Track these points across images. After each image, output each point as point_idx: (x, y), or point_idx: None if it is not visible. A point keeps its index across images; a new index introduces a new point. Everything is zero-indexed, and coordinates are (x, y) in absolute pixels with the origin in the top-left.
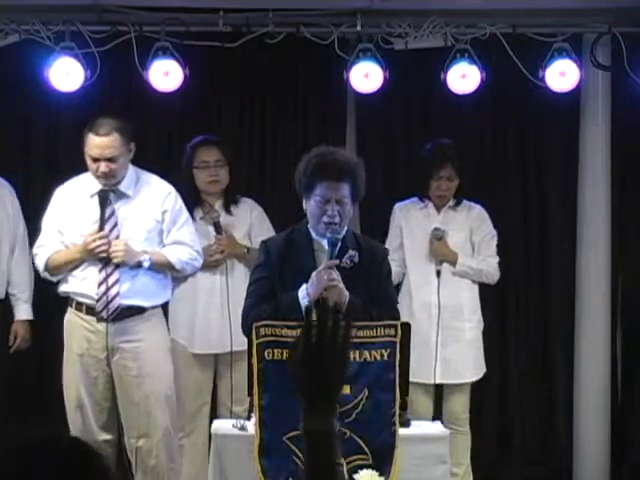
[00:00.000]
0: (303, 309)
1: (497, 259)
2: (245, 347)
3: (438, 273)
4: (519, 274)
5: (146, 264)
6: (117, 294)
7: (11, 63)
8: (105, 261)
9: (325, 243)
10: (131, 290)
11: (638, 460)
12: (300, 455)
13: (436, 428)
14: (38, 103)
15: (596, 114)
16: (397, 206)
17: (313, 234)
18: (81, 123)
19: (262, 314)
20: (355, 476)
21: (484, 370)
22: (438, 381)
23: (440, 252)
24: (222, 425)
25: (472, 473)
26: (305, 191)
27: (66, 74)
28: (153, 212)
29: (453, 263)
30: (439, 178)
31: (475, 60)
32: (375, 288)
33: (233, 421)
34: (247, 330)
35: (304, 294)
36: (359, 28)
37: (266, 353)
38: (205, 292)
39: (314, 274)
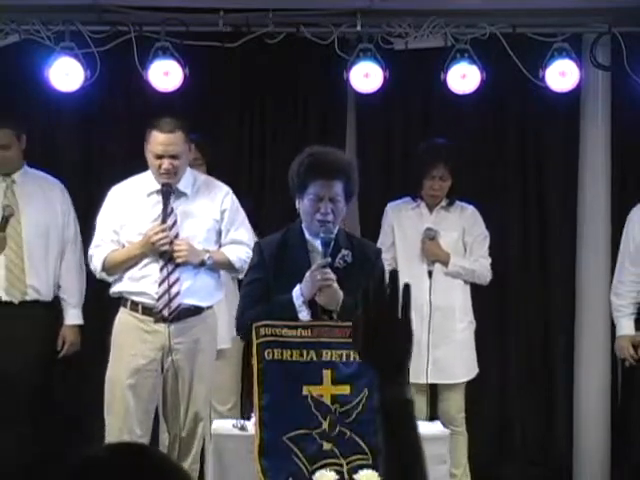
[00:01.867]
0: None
1: (489, 260)
2: (224, 346)
3: (430, 273)
4: (519, 274)
5: (209, 262)
6: (178, 293)
7: (11, 63)
8: (166, 259)
9: (319, 243)
10: (191, 289)
11: (638, 460)
12: (300, 455)
13: (436, 428)
14: (38, 103)
15: (596, 114)
16: (389, 206)
17: (307, 234)
18: (81, 123)
19: (256, 316)
20: (355, 476)
21: (476, 370)
22: (430, 381)
23: (432, 252)
24: (222, 425)
25: (470, 473)
26: (298, 191)
27: (66, 74)
28: (212, 211)
29: (445, 263)
30: (432, 177)
31: (475, 60)
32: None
33: (233, 421)
34: (242, 331)
35: (298, 294)
36: (359, 28)
37: (266, 353)
38: None
39: (308, 274)
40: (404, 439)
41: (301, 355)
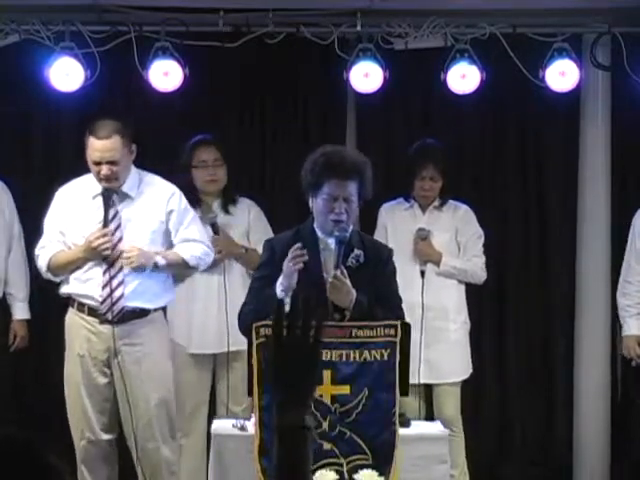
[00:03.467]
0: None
1: (483, 259)
2: (243, 347)
3: (422, 273)
4: (519, 274)
5: (161, 263)
6: (122, 296)
7: (11, 63)
8: (109, 262)
9: (331, 242)
10: (135, 292)
11: (638, 460)
12: None
13: (436, 428)
14: (38, 103)
15: (596, 114)
16: (383, 207)
17: (319, 233)
18: (81, 123)
19: (248, 312)
20: (355, 476)
21: (470, 371)
22: (423, 381)
23: (424, 252)
24: (222, 425)
25: (470, 473)
26: (312, 189)
27: (66, 74)
28: (157, 213)
29: (437, 263)
30: (422, 178)
31: (475, 60)
32: (380, 288)
33: (233, 421)
34: (241, 328)
35: (280, 288)
36: (359, 28)
37: (266, 353)
38: (203, 292)
39: (284, 264)
40: (295, 465)
41: None
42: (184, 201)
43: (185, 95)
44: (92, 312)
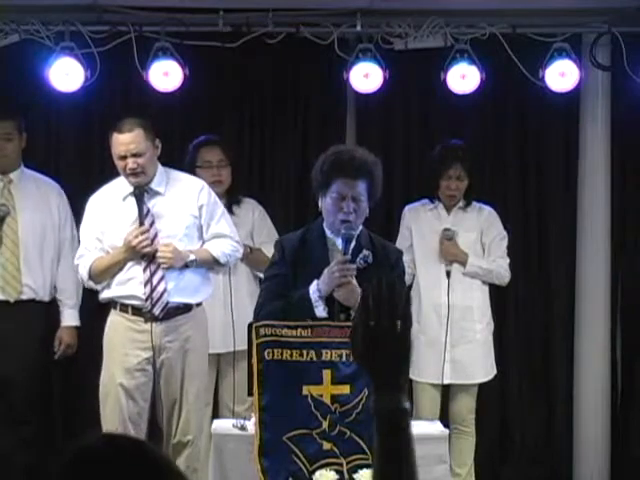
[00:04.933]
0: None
1: (507, 260)
2: (245, 347)
3: (448, 274)
4: (519, 274)
5: (193, 265)
6: (164, 291)
7: (11, 63)
8: (148, 260)
9: (339, 242)
10: (177, 287)
11: (638, 460)
12: (300, 455)
13: (436, 428)
14: (38, 103)
15: (596, 114)
16: (407, 208)
17: (328, 233)
18: (81, 123)
19: (274, 310)
20: (355, 476)
21: (494, 372)
22: (447, 381)
23: (450, 252)
24: (222, 425)
25: (474, 475)
26: (321, 189)
27: (66, 74)
28: (189, 208)
29: (463, 263)
30: (448, 178)
31: (475, 60)
32: None
33: (233, 421)
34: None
35: (315, 289)
36: (359, 28)
37: (266, 353)
38: None
39: (326, 270)
40: (395, 448)
41: (301, 355)
42: (213, 195)
43: (185, 95)
44: (136, 311)
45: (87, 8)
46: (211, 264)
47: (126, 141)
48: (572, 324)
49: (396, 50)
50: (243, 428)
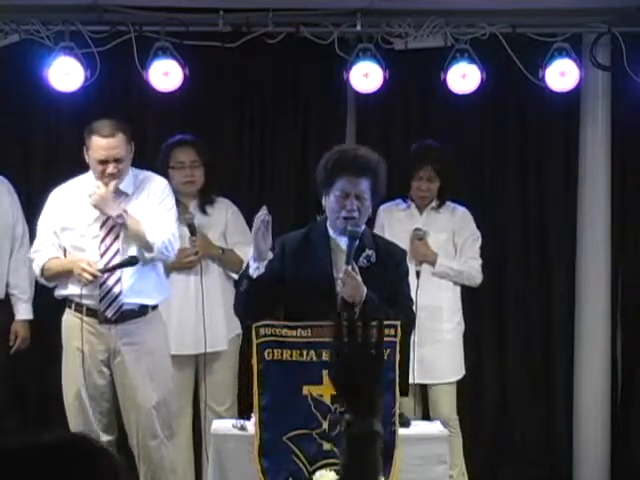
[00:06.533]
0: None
1: (480, 261)
2: (221, 348)
3: (418, 274)
4: (519, 274)
5: (120, 221)
6: (120, 293)
7: (11, 63)
8: (108, 258)
9: (342, 241)
10: (132, 289)
11: (638, 460)
12: (300, 455)
13: (436, 428)
14: (38, 103)
15: (596, 114)
16: (381, 208)
17: (331, 232)
18: (81, 123)
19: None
20: None
21: (463, 372)
22: (416, 381)
23: (420, 252)
24: (222, 425)
25: (469, 474)
26: (325, 187)
27: (66, 74)
28: (151, 207)
29: (432, 263)
30: (419, 179)
31: (475, 60)
32: (391, 288)
33: (233, 421)
34: (236, 313)
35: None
36: (359, 28)
37: (266, 353)
38: (179, 293)
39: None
40: (362, 472)
41: (301, 355)
42: (169, 191)
43: (185, 95)
44: (91, 312)
45: (87, 8)
46: (140, 239)
47: (109, 146)
48: (572, 324)
49: (396, 50)
50: (243, 428)
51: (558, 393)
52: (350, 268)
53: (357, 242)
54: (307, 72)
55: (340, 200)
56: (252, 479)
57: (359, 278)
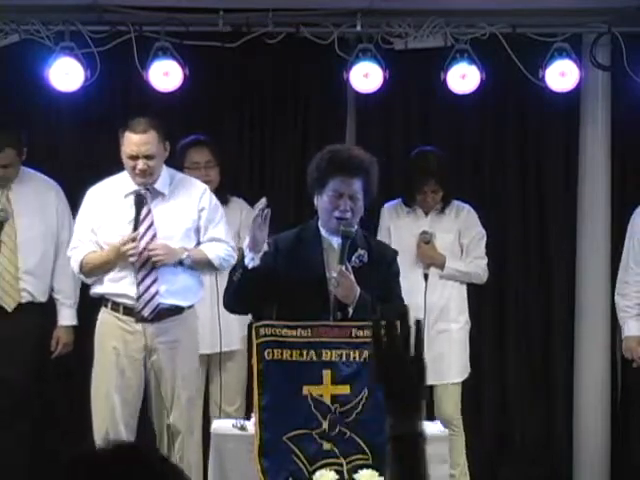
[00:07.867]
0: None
1: (486, 260)
2: (236, 347)
3: (426, 276)
4: (519, 274)
5: (187, 262)
6: (156, 293)
7: (11, 63)
8: (141, 261)
9: (334, 241)
10: (170, 290)
11: (638, 460)
12: (300, 455)
13: (436, 428)
14: (38, 103)
15: (596, 114)
16: (386, 207)
17: (323, 232)
18: (81, 123)
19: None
20: (355, 476)
21: (469, 371)
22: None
23: (427, 255)
24: (222, 425)
25: (470, 473)
26: (317, 187)
27: (66, 74)
28: (190, 211)
29: (441, 267)
30: (423, 193)
31: (475, 60)
32: (383, 288)
33: (233, 421)
34: (225, 302)
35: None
36: (359, 28)
37: (266, 353)
38: None
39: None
40: (412, 473)
41: (301, 355)
42: (214, 199)
43: (185, 95)
44: (127, 311)
45: (87, 8)
46: (204, 265)
47: (139, 142)
48: (572, 324)
49: (396, 50)
50: (243, 428)
51: (558, 393)
52: (344, 268)
53: (349, 242)
54: (307, 72)
55: (333, 200)
56: (252, 479)
57: (352, 278)
